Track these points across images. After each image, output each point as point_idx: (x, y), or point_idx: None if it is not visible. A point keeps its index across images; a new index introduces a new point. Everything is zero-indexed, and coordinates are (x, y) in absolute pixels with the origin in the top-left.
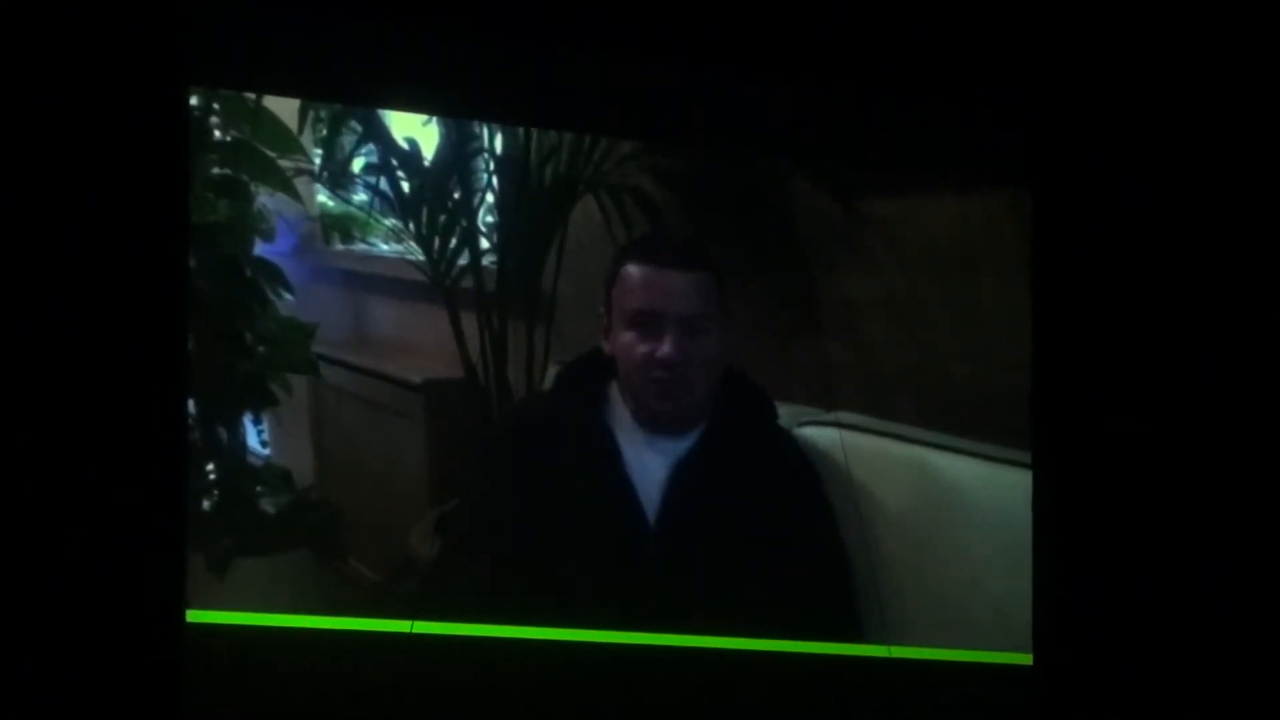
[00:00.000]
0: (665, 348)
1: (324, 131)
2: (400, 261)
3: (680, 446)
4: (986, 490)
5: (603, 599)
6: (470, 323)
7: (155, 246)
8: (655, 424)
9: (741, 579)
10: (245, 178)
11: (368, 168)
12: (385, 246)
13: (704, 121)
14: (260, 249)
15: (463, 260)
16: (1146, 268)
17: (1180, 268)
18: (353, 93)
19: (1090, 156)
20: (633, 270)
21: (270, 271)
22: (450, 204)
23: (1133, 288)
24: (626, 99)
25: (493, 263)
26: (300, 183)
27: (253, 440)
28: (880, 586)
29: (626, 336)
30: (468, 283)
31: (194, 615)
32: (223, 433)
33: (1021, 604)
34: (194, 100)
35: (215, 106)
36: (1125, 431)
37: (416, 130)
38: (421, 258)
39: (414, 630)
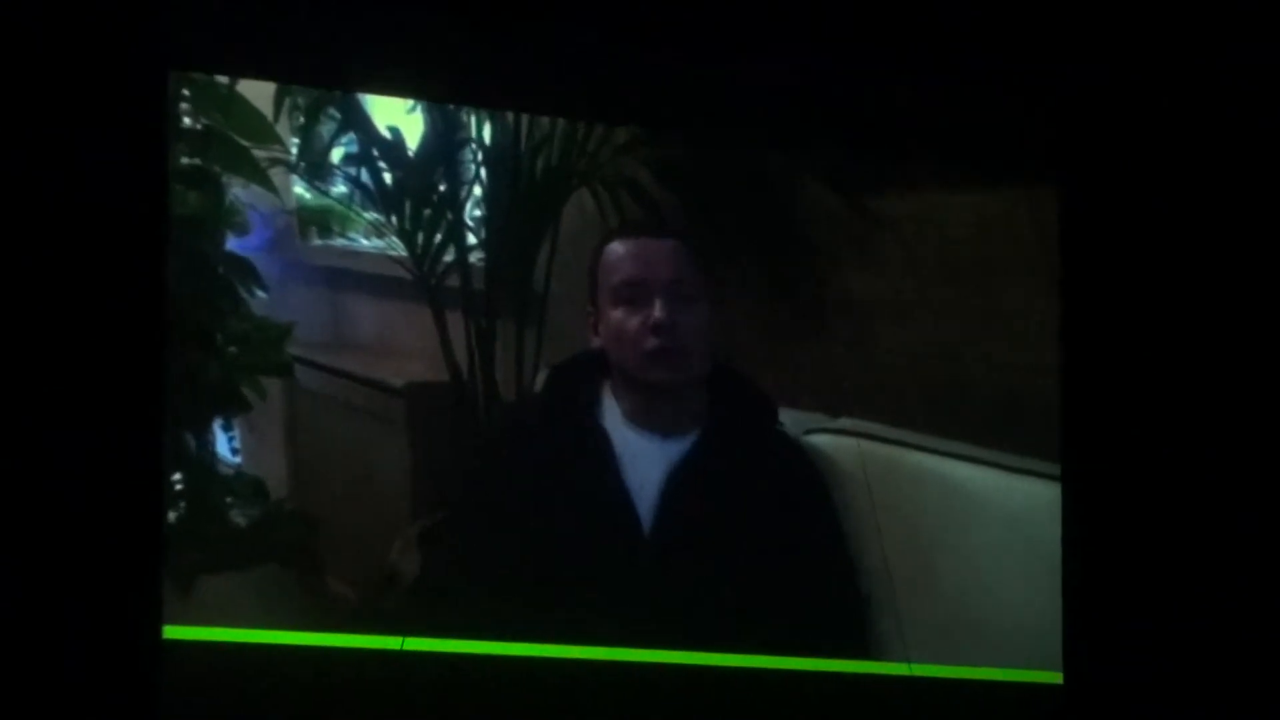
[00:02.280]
0: (657, 312)
1: (301, 119)
2: (382, 257)
3: (677, 449)
4: (1005, 502)
5: (596, 611)
6: (456, 322)
7: (131, 243)
8: (651, 423)
9: (742, 591)
10: (217, 168)
11: (348, 158)
12: (366, 241)
13: (705, 105)
14: (232, 244)
15: (448, 256)
16: (1180, 269)
17: (1218, 269)
18: (334, 75)
19: (1121, 150)
20: (614, 247)
21: (243, 268)
22: (435, 197)
23: (1166, 290)
24: (624, 81)
25: (480, 259)
26: (275, 173)
27: (223, 448)
28: (899, 602)
29: (616, 314)
30: (453, 280)
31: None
32: (191, 440)
33: (1049, 620)
34: None
35: (185, 92)
36: (1158, 442)
37: (400, 118)
38: (404, 253)
39: (404, 647)
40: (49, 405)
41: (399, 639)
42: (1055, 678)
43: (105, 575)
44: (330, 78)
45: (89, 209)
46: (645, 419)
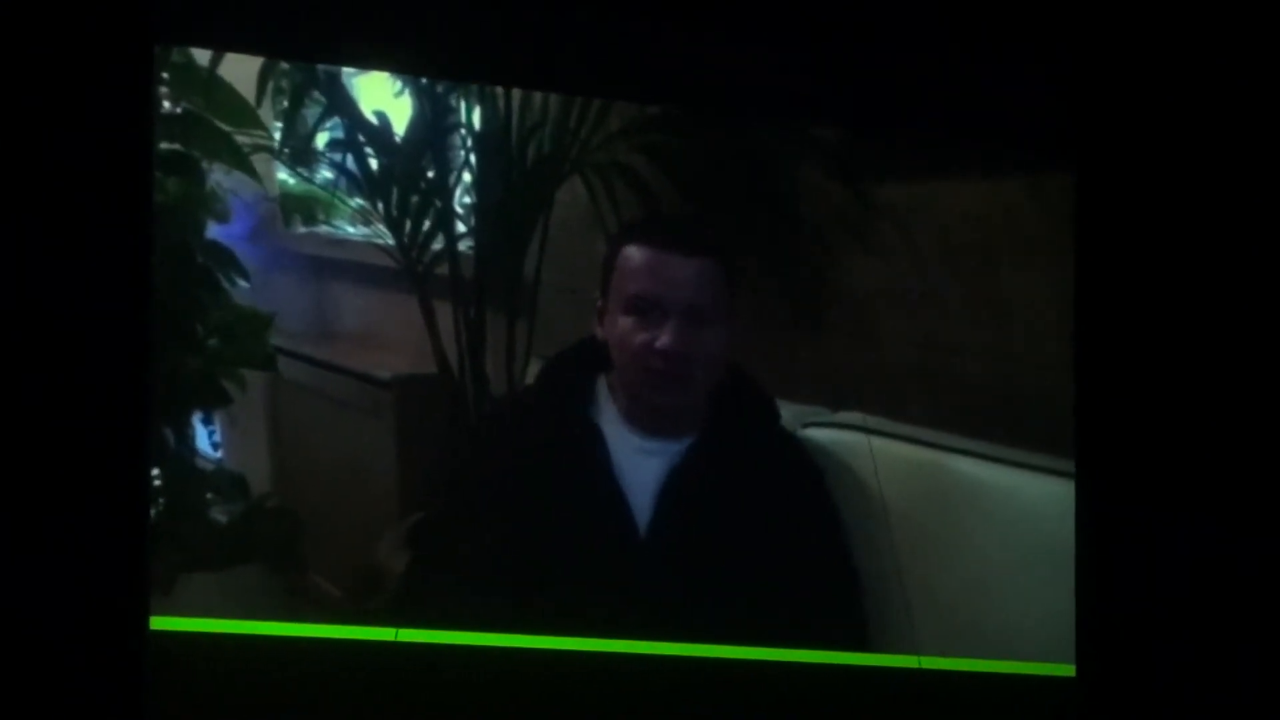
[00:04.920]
0: (665, 337)
1: (285, 103)
2: (368, 246)
3: (675, 450)
4: (1012, 497)
5: (592, 615)
6: (445, 313)
7: (113, 229)
8: (648, 424)
9: (738, 593)
10: (197, 154)
11: (333, 143)
12: (351, 229)
13: (702, 85)
14: (213, 232)
15: (437, 245)
16: (1196, 259)
17: (1235, 260)
18: (324, 50)
19: (1137, 138)
20: (635, 252)
21: (224, 256)
22: (423, 183)
23: (1181, 281)
24: (621, 59)
25: (470, 248)
26: (258, 159)
27: (203, 442)
28: (910, 596)
29: (624, 322)
30: (442, 269)
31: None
32: (170, 435)
33: (1059, 614)
34: None
35: (164, 76)
36: (1172, 433)
37: (387, 102)
38: (391, 242)
39: (398, 638)
40: (29, 397)
41: (392, 630)
42: (1068, 670)
43: (91, 565)
44: (319, 52)
45: (69, 192)
46: (642, 419)
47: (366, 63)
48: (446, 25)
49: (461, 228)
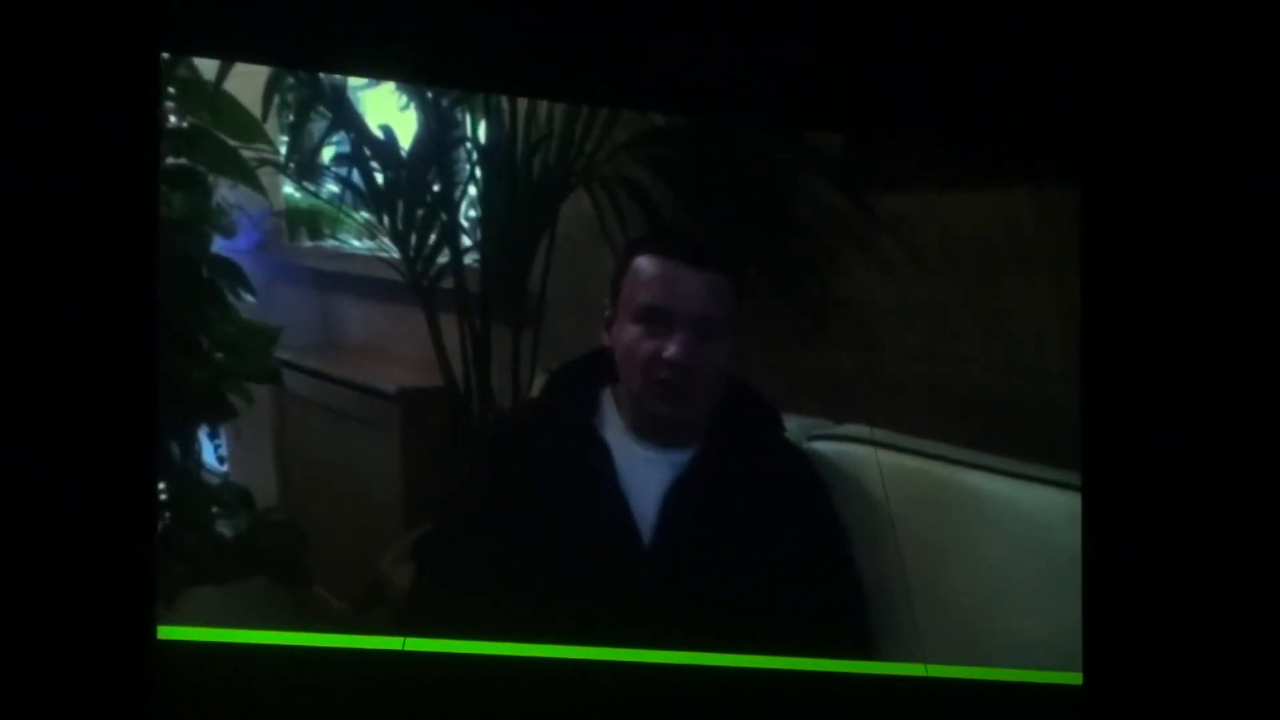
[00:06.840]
0: (673, 348)
1: (290, 117)
2: (373, 259)
3: (679, 460)
4: (1017, 509)
5: (596, 628)
6: (450, 326)
7: (120, 242)
8: (653, 435)
9: (744, 602)
10: (203, 168)
11: (338, 157)
12: (357, 243)
13: (706, 93)
14: (219, 246)
15: (442, 258)
16: (1203, 270)
17: (1241, 271)
18: (330, 58)
19: (1145, 143)
20: (648, 263)
21: (230, 271)
22: (429, 197)
23: (1188, 292)
24: (623, 65)
25: (475, 261)
26: (264, 174)
27: (209, 456)
28: (916, 605)
29: (632, 331)
30: (447, 283)
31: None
32: (175, 448)
33: (1065, 624)
34: None
35: (170, 90)
36: (1178, 442)
37: (392, 117)
38: (397, 255)
39: (405, 647)
40: (36, 409)
41: (399, 639)
42: (1074, 679)
43: (98, 577)
44: (326, 61)
45: (75, 205)
46: (647, 431)
47: (372, 71)
48: (451, 33)
49: (467, 241)
